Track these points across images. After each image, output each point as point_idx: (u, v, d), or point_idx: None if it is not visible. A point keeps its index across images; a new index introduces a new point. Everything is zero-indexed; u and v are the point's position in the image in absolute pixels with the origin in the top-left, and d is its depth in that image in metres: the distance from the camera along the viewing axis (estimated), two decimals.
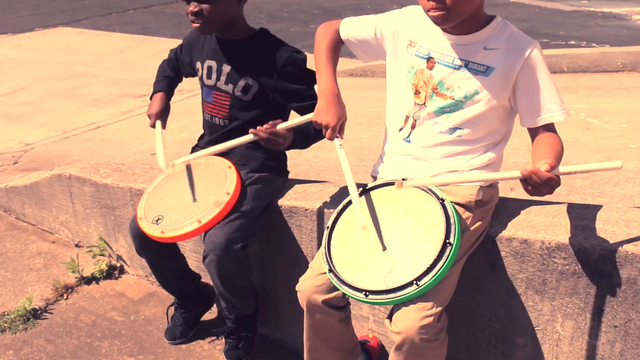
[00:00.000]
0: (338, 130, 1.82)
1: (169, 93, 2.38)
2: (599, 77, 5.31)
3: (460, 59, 1.75)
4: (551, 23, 7.68)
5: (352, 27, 1.97)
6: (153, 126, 2.32)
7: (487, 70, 1.72)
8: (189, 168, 2.21)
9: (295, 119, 1.97)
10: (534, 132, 1.75)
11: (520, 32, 1.74)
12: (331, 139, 1.82)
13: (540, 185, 1.49)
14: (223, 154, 2.18)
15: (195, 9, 2.04)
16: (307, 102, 2.09)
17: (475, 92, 1.74)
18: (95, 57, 7.71)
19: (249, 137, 2.01)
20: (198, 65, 2.27)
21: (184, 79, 2.50)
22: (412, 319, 1.58)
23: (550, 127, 1.74)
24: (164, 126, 2.33)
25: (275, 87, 2.14)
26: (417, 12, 1.83)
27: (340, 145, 1.83)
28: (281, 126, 1.96)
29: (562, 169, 1.51)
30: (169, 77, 2.42)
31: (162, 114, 2.33)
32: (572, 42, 6.52)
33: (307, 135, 2.09)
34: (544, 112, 1.71)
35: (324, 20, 2.04)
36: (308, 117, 1.90)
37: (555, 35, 6.96)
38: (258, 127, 1.95)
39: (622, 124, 3.96)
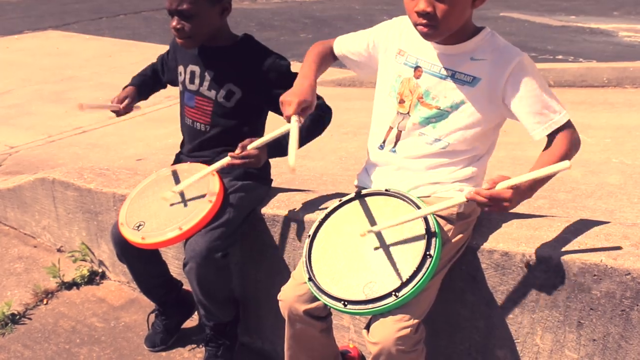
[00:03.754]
0: (299, 112, 1.74)
1: (139, 87, 2.40)
2: (584, 92, 5.36)
3: (447, 69, 1.75)
4: (540, 37, 7.75)
5: (345, 42, 2.01)
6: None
7: (474, 81, 1.72)
8: (172, 174, 2.20)
9: (264, 136, 1.92)
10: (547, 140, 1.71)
11: (509, 43, 1.74)
12: (287, 116, 1.75)
13: (489, 204, 1.48)
14: (206, 161, 2.17)
15: (178, 26, 2.05)
16: None
17: (462, 102, 1.75)
18: (83, 61, 7.68)
19: (226, 160, 1.99)
20: (180, 68, 2.26)
21: (169, 86, 2.49)
22: (390, 329, 1.58)
23: (560, 130, 1.68)
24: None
25: (258, 94, 2.13)
26: (407, 21, 1.83)
27: (296, 120, 1.73)
28: (251, 146, 1.94)
29: (504, 182, 1.46)
30: (145, 75, 2.43)
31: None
32: (560, 57, 6.58)
33: (282, 148, 2.08)
34: (543, 121, 1.67)
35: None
36: (276, 133, 1.86)
37: (544, 49, 7.02)
38: (229, 154, 1.95)
39: (605, 138, 4.00)
